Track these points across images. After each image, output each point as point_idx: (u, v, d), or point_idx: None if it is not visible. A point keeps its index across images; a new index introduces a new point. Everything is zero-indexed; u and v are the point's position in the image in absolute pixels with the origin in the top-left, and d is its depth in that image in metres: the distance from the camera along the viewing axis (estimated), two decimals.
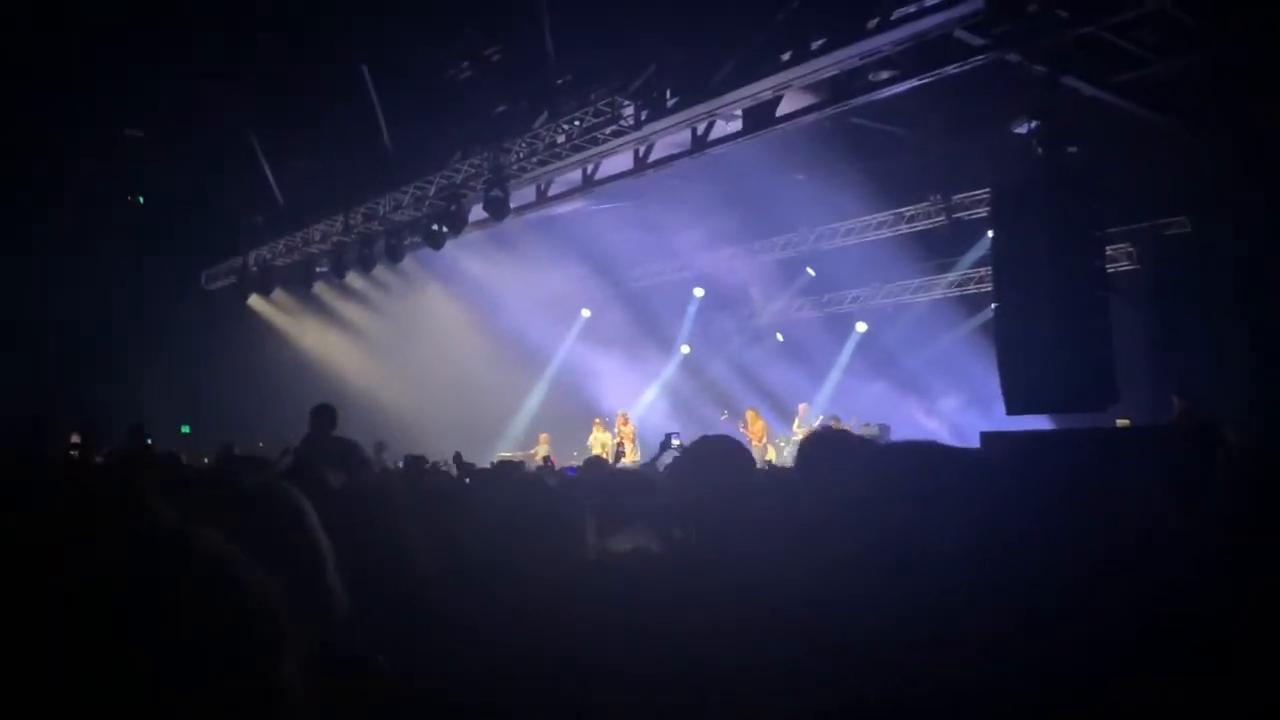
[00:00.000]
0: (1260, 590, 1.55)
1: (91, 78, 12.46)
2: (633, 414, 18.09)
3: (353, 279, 16.91)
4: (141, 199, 17.24)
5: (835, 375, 19.43)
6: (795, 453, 3.10)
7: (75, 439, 6.42)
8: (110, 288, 16.37)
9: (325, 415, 7.28)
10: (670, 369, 21.54)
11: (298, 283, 17.22)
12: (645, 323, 20.76)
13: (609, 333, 20.54)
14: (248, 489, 1.77)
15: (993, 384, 10.63)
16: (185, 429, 17.95)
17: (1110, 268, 12.53)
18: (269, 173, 15.36)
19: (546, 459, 15.33)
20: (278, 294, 17.65)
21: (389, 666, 1.57)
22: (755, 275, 19.46)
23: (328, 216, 15.43)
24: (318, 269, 16.88)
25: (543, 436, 17.74)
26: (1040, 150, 10.08)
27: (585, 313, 21.35)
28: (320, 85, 13.28)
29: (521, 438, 19.17)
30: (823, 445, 3.13)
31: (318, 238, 15.86)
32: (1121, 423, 10.73)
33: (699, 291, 20.71)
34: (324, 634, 1.53)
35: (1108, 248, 11.95)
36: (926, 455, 1.56)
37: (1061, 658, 1.33)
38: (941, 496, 1.48)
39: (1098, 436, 8.89)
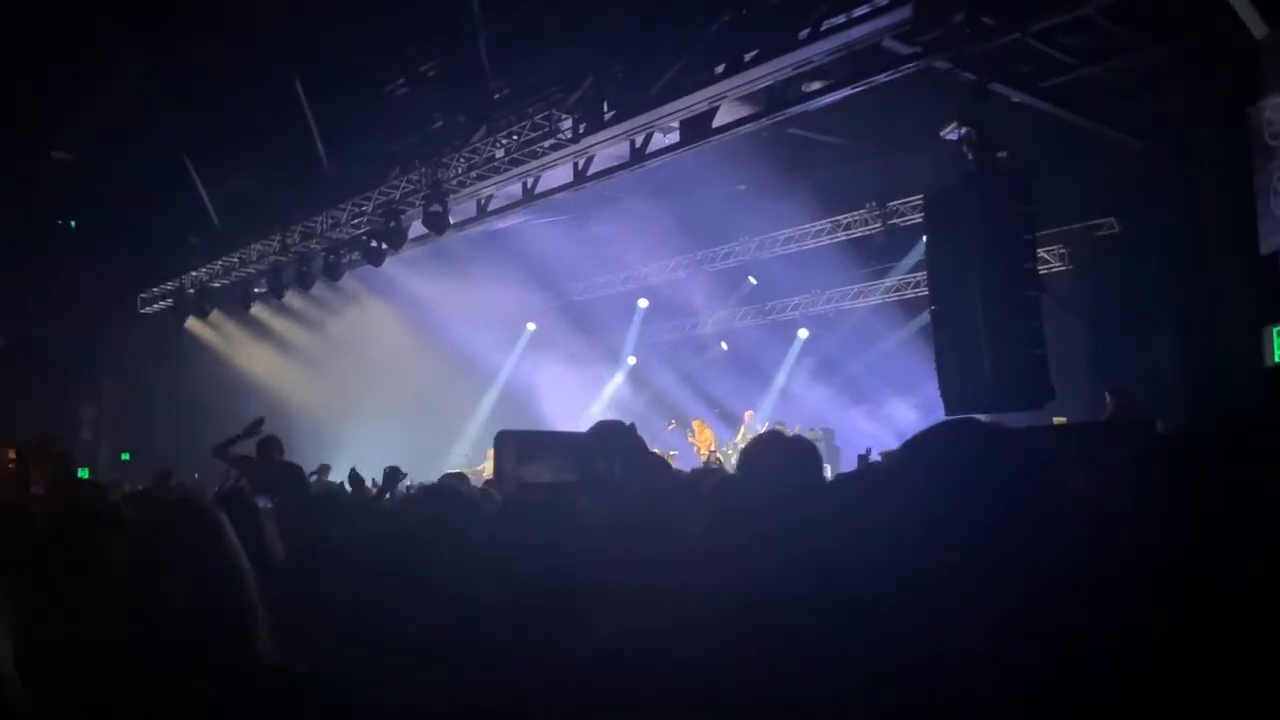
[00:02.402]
0: (1190, 582, 1.59)
1: (14, 99, 12.19)
2: (583, 426, 18.03)
3: (292, 298, 16.70)
4: (73, 223, 16.88)
5: (780, 382, 19.59)
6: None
7: (11, 455, 6.27)
8: (44, 314, 16.02)
9: (271, 447, 7.24)
10: (617, 380, 21.56)
11: (235, 304, 16.95)
12: (591, 335, 20.79)
13: (555, 345, 20.51)
14: (166, 507, 1.78)
15: (933, 386, 10.82)
16: (125, 456, 17.60)
17: (1042, 269, 12.81)
18: (204, 193, 15.11)
19: (488, 482, 15.23)
20: (215, 316, 17.36)
21: (308, 672, 1.58)
22: (698, 285, 19.57)
23: (265, 236, 15.21)
24: (256, 289, 16.64)
25: (490, 452, 17.62)
26: (971, 156, 10.28)
27: (530, 326, 21.32)
28: (254, 102, 13.12)
29: (469, 453, 19.04)
30: (765, 450, 3.15)
31: (255, 258, 15.64)
32: (1057, 420, 10.94)
33: (643, 302, 20.78)
34: (247, 649, 1.53)
35: (1039, 250, 12.23)
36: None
37: (994, 651, 1.35)
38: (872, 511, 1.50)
39: (1035, 434, 9.07)
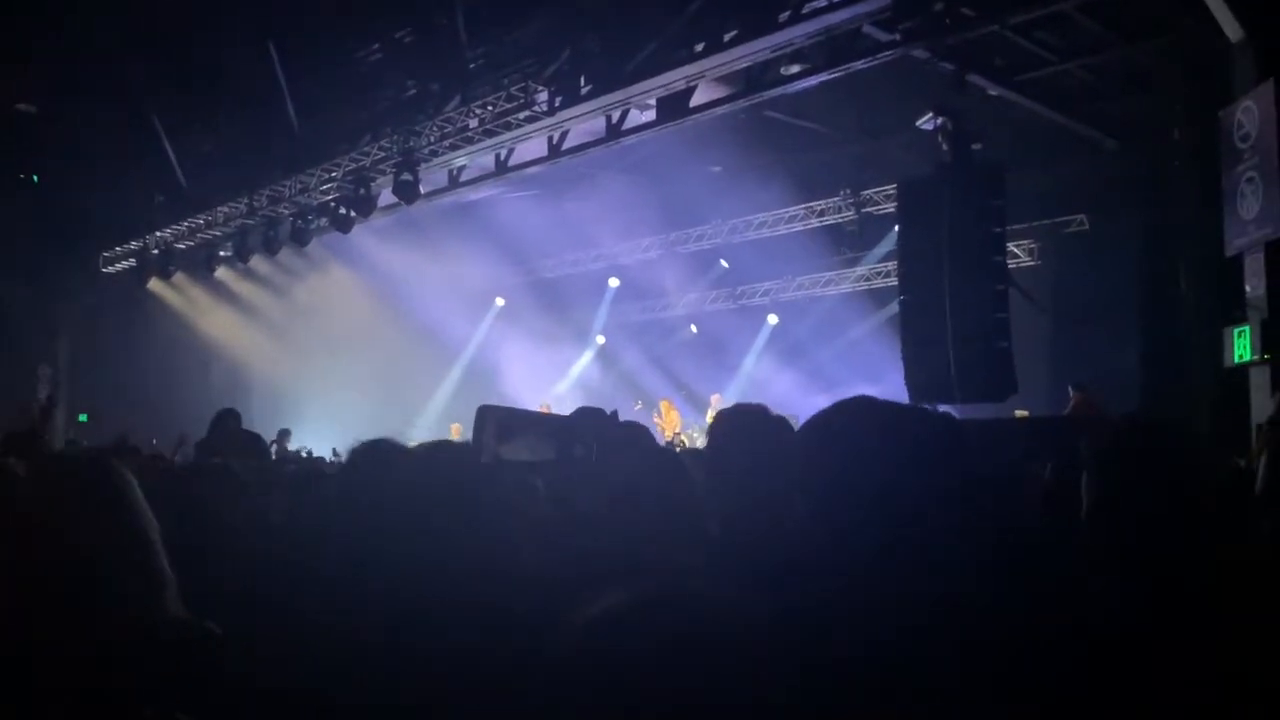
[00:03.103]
0: (1147, 569, 1.59)
1: None
2: (551, 403, 18.00)
3: (257, 263, 16.48)
4: (35, 178, 16.53)
5: (747, 366, 19.61)
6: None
7: None
8: (3, 270, 15.71)
9: (228, 419, 7.12)
10: (585, 359, 21.50)
11: (199, 266, 16.71)
12: (560, 312, 20.69)
13: (523, 321, 20.40)
14: (73, 463, 1.75)
15: (899, 376, 10.87)
16: (83, 418, 17.34)
17: (1011, 263, 12.91)
18: (171, 152, 14.84)
19: None
20: (179, 277, 17.09)
21: (219, 632, 1.54)
22: (670, 266, 19.52)
23: (232, 198, 14.97)
24: (221, 252, 16.41)
25: (454, 427, 17.51)
26: (945, 146, 10.32)
27: (499, 301, 21.18)
28: (226, 64, 12.88)
29: (433, 427, 18.93)
30: (736, 421, 3.11)
31: (221, 220, 15.41)
32: (1020, 413, 11.04)
33: (614, 282, 20.71)
34: (153, 610, 1.50)
35: (1009, 244, 12.31)
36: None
37: (952, 630, 1.33)
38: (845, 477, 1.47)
39: (998, 426, 9.15)
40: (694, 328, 20.86)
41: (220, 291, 17.65)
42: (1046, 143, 12.59)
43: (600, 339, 21.57)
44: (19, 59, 12.48)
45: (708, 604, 1.15)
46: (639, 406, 17.57)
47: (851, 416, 1.48)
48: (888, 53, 9.34)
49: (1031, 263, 15.45)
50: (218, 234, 15.80)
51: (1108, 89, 11.87)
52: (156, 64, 12.80)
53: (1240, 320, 8.76)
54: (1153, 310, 12.53)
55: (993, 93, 10.89)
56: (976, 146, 10.37)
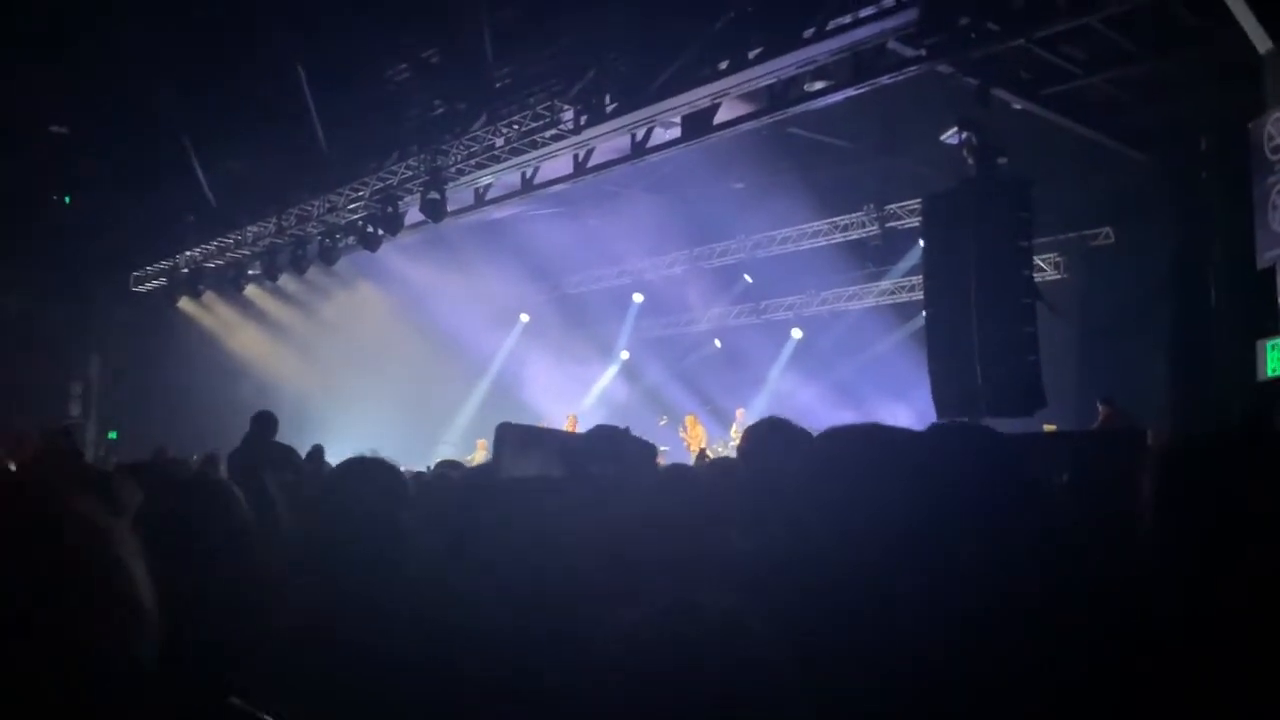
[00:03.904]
0: (1178, 585, 1.58)
1: (13, 73, 12.11)
2: (579, 415, 18.06)
3: (286, 281, 16.64)
4: (68, 199, 16.80)
5: (772, 381, 19.59)
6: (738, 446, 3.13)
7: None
8: (36, 288, 15.96)
9: (265, 422, 7.21)
10: (609, 374, 21.54)
11: (229, 284, 16.89)
12: (585, 328, 20.77)
13: (548, 337, 20.48)
14: (180, 478, 1.81)
15: (925, 391, 10.83)
16: (112, 435, 17.54)
17: (1038, 277, 12.84)
18: (200, 173, 15.05)
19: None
20: (208, 296, 17.30)
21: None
22: (694, 282, 19.56)
23: (261, 217, 15.17)
24: (249, 271, 16.59)
25: (480, 442, 17.59)
26: (971, 161, 10.30)
27: (524, 317, 21.27)
28: (255, 84, 13.06)
29: (459, 442, 19.02)
30: (766, 432, 3.14)
31: (250, 239, 15.59)
32: (1048, 428, 10.96)
33: (638, 297, 20.76)
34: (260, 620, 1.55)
35: (1035, 258, 12.26)
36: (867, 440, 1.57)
37: (989, 637, 1.35)
38: (879, 482, 1.49)
39: (1027, 440, 9.09)
40: (718, 342, 20.86)
41: (249, 309, 17.83)
42: (1072, 155, 12.53)
43: (624, 354, 21.60)
44: (52, 82, 12.71)
45: (730, 617, 1.18)
46: (664, 422, 17.59)
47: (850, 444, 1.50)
48: (912, 68, 9.35)
49: (1058, 276, 15.37)
50: (247, 253, 15.99)
51: (1134, 101, 11.81)
52: (186, 85, 13.00)
53: (1273, 333, 8.68)
54: (1183, 323, 12.43)
55: (1017, 106, 10.87)
56: (1002, 160, 10.34)
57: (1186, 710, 1.32)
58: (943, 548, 1.43)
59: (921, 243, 12.14)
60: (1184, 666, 1.33)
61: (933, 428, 1.66)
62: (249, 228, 15.42)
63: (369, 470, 2.10)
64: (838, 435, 1.56)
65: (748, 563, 2.11)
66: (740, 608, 1.17)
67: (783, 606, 1.29)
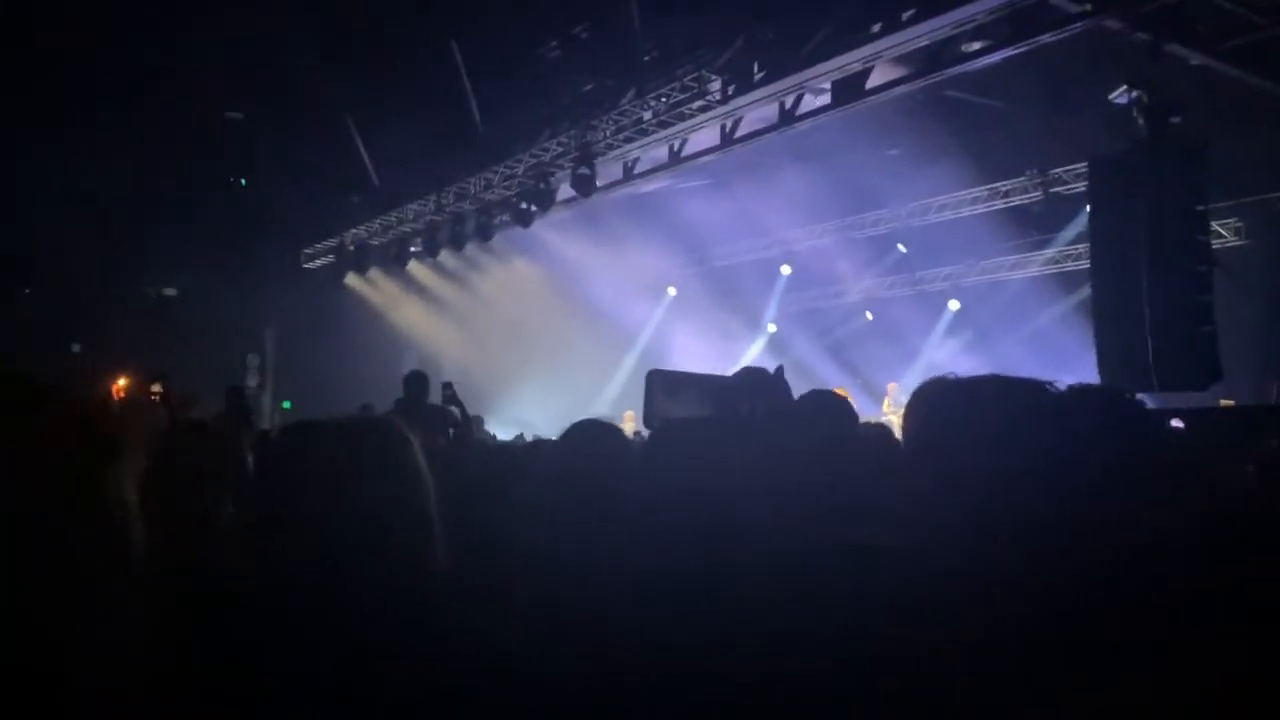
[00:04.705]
0: None
1: (191, 63, 12.90)
2: None
3: (445, 257, 17.23)
4: (244, 181, 17.81)
5: (926, 355, 19.10)
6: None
7: (156, 388, 6.75)
8: (214, 267, 17.02)
9: (417, 381, 7.48)
10: (757, 347, 21.44)
11: (392, 261, 17.61)
12: (732, 300, 20.71)
13: (695, 310, 20.53)
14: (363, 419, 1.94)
15: (1091, 364, 10.37)
16: (286, 405, 18.57)
17: (1216, 243, 12.08)
18: (364, 154, 15.73)
19: (635, 434, 15.43)
20: (373, 272, 18.08)
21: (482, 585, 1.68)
22: (844, 252, 19.21)
23: (421, 196, 15.75)
24: (411, 248, 17.25)
25: (628, 414, 17.83)
26: (1141, 121, 9.76)
27: (671, 290, 21.37)
28: (413, 66, 13.54)
29: (608, 414, 19.33)
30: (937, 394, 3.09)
31: (411, 217, 16.21)
32: (1225, 403, 10.35)
33: (786, 269, 20.54)
34: (425, 560, 1.64)
35: (1213, 222, 11.54)
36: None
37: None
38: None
39: (1201, 415, 8.63)
40: (869, 315, 20.46)
41: (411, 285, 18.54)
42: (1253, 112, 11.69)
43: (772, 327, 21.46)
44: (228, 70, 13.49)
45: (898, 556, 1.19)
46: None
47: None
48: (1077, 24, 8.90)
49: (1238, 242, 14.42)
50: (408, 230, 16.62)
51: None
52: (348, 69, 13.57)
53: None
54: None
55: (1194, 62, 10.20)
56: (1175, 120, 9.75)
57: None
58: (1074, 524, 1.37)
59: (1088, 208, 11.57)
60: None
61: (1072, 390, 1.60)
62: (410, 206, 16.03)
63: (594, 432, 2.19)
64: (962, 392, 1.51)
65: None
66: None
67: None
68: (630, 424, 17.27)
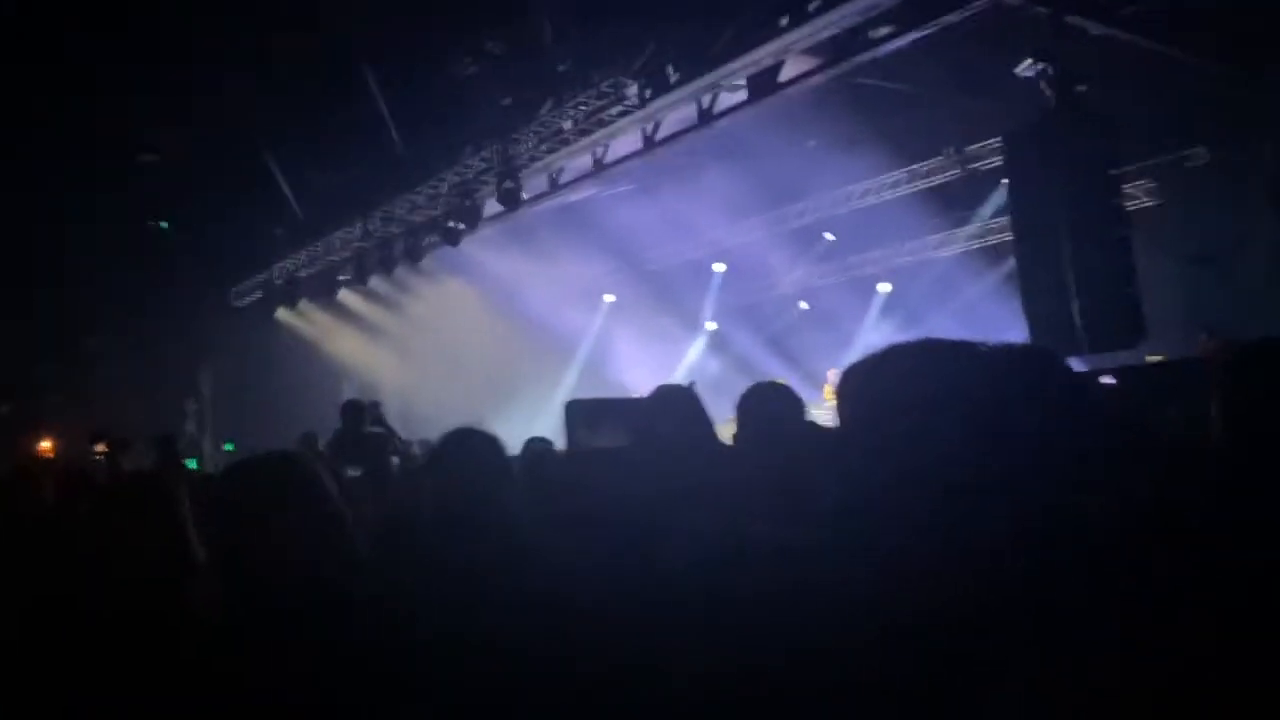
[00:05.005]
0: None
1: (96, 108, 12.61)
2: None
3: (376, 283, 17.05)
4: (164, 224, 17.45)
5: (862, 338, 19.36)
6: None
7: (100, 447, 6.63)
8: (143, 312, 16.64)
9: (352, 411, 7.40)
10: (698, 346, 21.57)
11: (322, 292, 17.38)
12: (669, 303, 20.80)
13: (634, 316, 20.58)
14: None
15: (1021, 333, 10.58)
16: (229, 446, 18.21)
17: (1131, 205, 12.42)
18: (285, 186, 15.50)
19: None
20: (304, 304, 17.82)
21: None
22: (774, 245, 19.40)
23: (347, 223, 15.57)
24: (340, 276, 17.04)
25: None
26: (1049, 93, 10.00)
27: (609, 298, 21.40)
28: (326, 93, 13.36)
29: (555, 427, 19.24)
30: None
31: (338, 245, 16.02)
32: (1153, 358, 10.63)
33: (719, 267, 20.69)
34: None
35: (1127, 185, 11.85)
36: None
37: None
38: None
39: (1130, 373, 8.85)
40: (804, 304, 20.69)
41: (344, 314, 18.32)
42: (1156, 76, 12.04)
43: (711, 325, 21.59)
44: (138, 113, 13.20)
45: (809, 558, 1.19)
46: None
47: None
48: (978, 3, 9.09)
49: (1152, 202, 14.83)
50: (336, 259, 16.42)
51: (1225, 11, 11.27)
52: (264, 104, 13.37)
53: None
54: None
55: (1095, 32, 10.48)
56: (1082, 89, 10.02)
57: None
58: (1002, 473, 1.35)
59: (1005, 182, 11.82)
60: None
61: (995, 348, 1.60)
62: (336, 234, 15.84)
63: (473, 442, 2.19)
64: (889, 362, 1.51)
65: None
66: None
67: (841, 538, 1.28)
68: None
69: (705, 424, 1.77)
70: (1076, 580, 1.21)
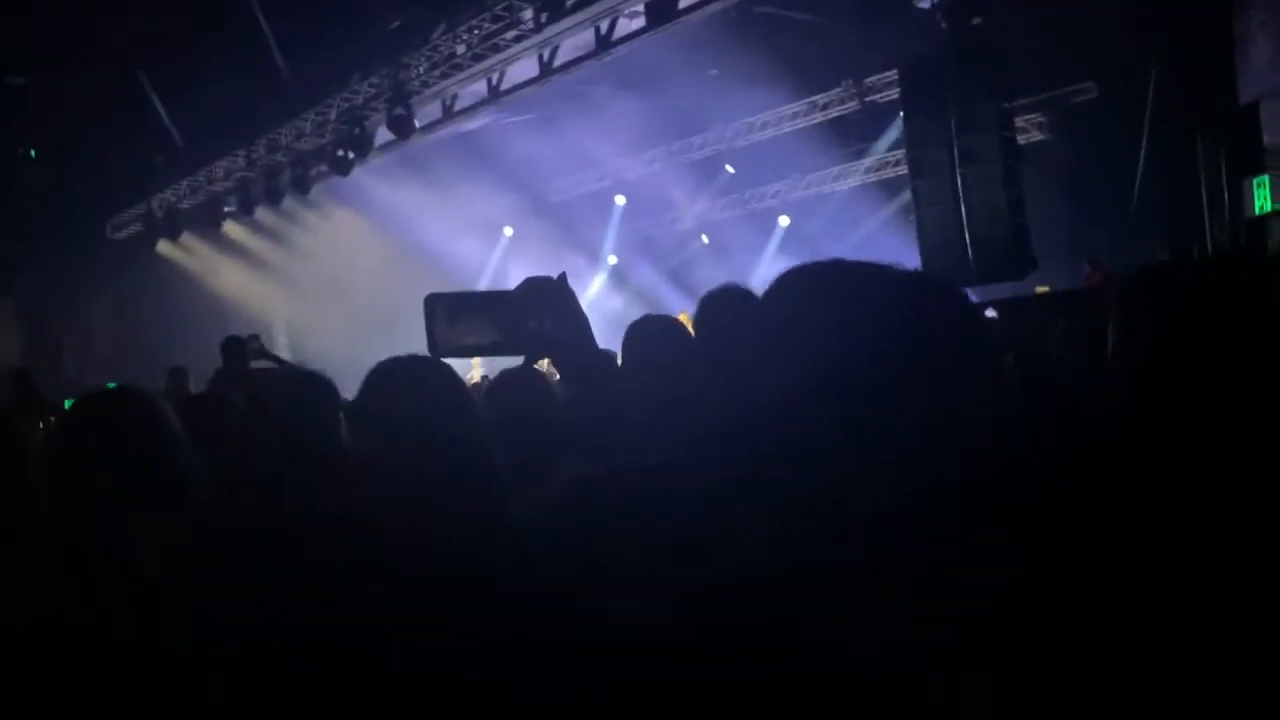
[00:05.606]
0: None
1: None
2: None
3: (263, 215, 16.43)
4: (32, 152, 16.47)
5: (763, 271, 19.48)
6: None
7: None
8: (16, 248, 15.74)
9: (233, 347, 7.10)
10: (599, 280, 21.44)
11: (206, 224, 16.69)
12: (570, 236, 20.56)
13: (534, 249, 20.30)
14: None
15: (918, 265, 10.76)
16: (111, 386, 17.51)
17: (1021, 139, 12.64)
18: (163, 112, 14.71)
19: (485, 378, 15.20)
20: (187, 237, 17.10)
21: None
22: (676, 178, 19.30)
23: (229, 152, 14.90)
24: (225, 208, 16.38)
25: (475, 360, 17.58)
26: (945, 25, 10.06)
27: (508, 231, 21.06)
28: (206, 13, 12.67)
29: (457, 363, 19.01)
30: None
31: (221, 175, 15.35)
32: (1041, 290, 10.94)
33: (620, 200, 20.52)
34: None
35: (1018, 119, 12.05)
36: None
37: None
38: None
39: (1019, 302, 9.11)
40: (705, 237, 20.71)
41: (229, 247, 17.64)
42: (1048, 12, 12.21)
43: (612, 259, 21.47)
44: (4, 33, 12.32)
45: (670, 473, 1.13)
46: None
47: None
48: None
49: (1042, 136, 15.15)
50: (219, 189, 15.76)
51: None
52: (138, 23, 12.61)
53: (1259, 170, 8.58)
54: (1171, 171, 12.26)
55: None
56: (977, 21, 10.09)
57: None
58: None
59: (902, 114, 11.91)
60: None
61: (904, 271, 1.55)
62: (219, 163, 15.17)
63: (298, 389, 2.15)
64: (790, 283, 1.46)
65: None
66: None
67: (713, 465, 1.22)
68: (478, 370, 17.04)
69: (580, 318, 1.68)
70: (1001, 478, 1.19)
